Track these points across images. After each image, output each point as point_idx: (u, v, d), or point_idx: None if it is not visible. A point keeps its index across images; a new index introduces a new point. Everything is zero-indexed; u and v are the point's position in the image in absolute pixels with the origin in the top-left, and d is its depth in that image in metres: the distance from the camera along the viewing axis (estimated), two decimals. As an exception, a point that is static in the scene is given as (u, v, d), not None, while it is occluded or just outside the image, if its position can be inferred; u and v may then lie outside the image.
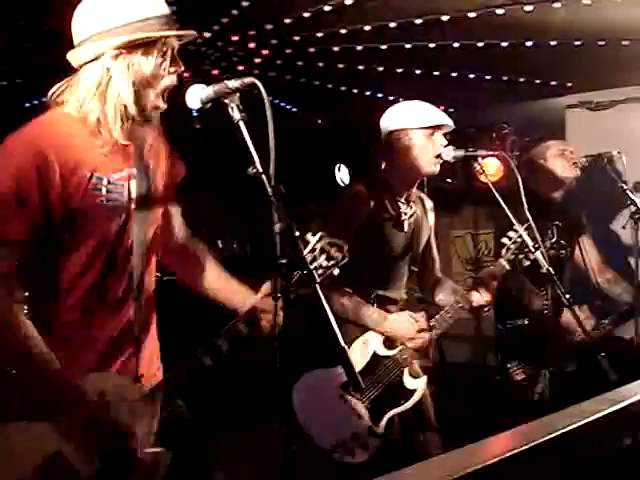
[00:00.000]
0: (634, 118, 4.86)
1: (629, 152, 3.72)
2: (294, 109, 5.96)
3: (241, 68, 4.87)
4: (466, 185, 5.65)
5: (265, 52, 4.62)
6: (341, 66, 4.85)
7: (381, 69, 4.85)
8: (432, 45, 4.30)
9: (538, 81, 4.99)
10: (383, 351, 2.94)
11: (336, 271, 1.96)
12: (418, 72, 4.86)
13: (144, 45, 1.84)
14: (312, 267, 1.91)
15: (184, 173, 2.13)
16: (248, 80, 1.75)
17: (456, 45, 4.28)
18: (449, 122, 2.97)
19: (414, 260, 3.13)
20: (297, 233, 1.68)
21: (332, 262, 1.95)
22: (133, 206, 1.92)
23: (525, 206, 2.78)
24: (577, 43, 4.15)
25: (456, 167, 5.19)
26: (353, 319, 2.93)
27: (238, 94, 1.75)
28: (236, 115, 1.74)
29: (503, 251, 2.99)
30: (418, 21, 3.89)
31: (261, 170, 1.69)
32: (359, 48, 4.41)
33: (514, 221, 2.89)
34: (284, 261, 1.62)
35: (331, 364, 2.83)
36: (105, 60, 1.83)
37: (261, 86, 1.70)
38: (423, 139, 2.95)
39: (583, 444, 1.65)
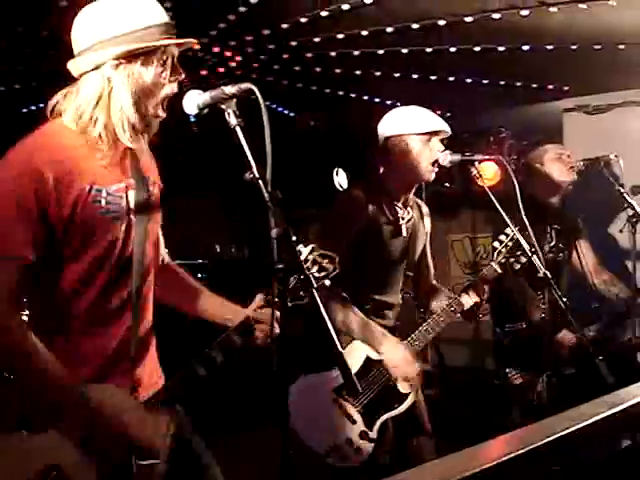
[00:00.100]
0: (631, 121, 4.88)
1: (626, 155, 3.73)
2: (292, 114, 5.97)
3: (238, 73, 4.87)
4: (464, 189, 5.64)
5: (262, 57, 4.63)
6: (338, 71, 4.85)
7: (378, 74, 4.85)
8: (429, 50, 4.30)
9: (535, 85, 5.00)
10: (376, 355, 2.93)
11: (327, 282, 1.96)
12: (415, 77, 4.87)
13: (144, 54, 1.83)
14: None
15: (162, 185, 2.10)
16: (245, 86, 1.75)
17: (453, 50, 4.28)
18: (446, 128, 2.97)
19: (410, 265, 3.13)
20: (294, 238, 1.68)
21: (324, 273, 1.95)
22: (132, 216, 1.92)
23: (522, 210, 2.78)
24: (574, 47, 4.15)
25: (454, 171, 5.19)
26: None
27: (235, 100, 1.75)
28: (233, 121, 1.73)
29: (495, 254, 2.99)
30: (415, 26, 3.90)
31: (258, 175, 1.68)
32: (356, 53, 4.42)
33: (509, 222, 2.89)
34: (281, 266, 1.62)
35: (325, 368, 2.84)
36: (106, 70, 1.83)
37: (258, 92, 1.70)
38: (420, 145, 2.94)
39: (582, 447, 1.65)
